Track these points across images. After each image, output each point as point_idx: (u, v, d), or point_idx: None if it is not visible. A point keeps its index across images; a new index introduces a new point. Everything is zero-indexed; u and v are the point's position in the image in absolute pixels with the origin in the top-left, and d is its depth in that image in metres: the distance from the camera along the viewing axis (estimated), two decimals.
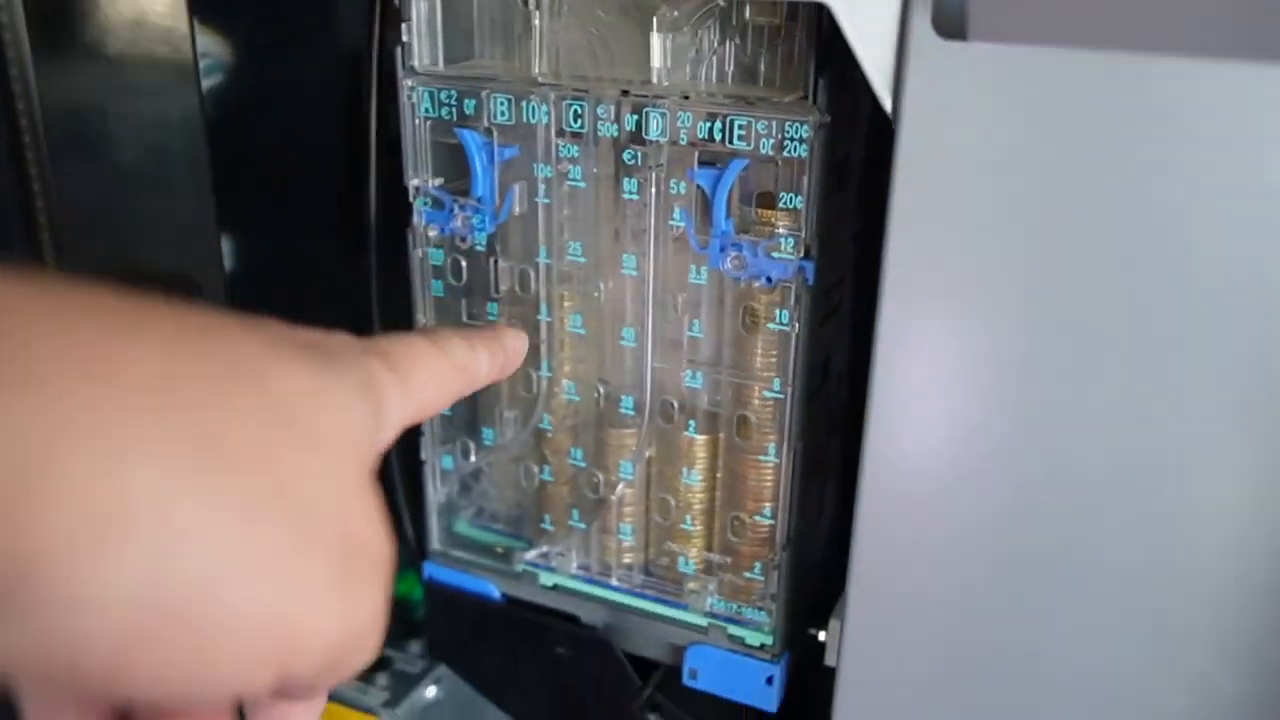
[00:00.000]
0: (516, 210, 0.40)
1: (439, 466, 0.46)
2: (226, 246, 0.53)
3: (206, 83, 0.52)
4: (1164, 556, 0.32)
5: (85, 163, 0.47)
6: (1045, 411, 0.33)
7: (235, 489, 0.16)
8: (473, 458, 0.45)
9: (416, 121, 0.41)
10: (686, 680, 0.43)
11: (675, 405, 0.40)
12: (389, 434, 0.23)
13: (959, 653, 0.37)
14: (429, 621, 0.49)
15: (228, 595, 0.16)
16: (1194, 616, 0.32)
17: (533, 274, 0.41)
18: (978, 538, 0.35)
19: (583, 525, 0.44)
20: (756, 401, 0.39)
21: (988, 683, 0.37)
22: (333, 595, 0.18)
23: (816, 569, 0.44)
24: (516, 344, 0.35)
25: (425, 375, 0.26)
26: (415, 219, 0.42)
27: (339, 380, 0.20)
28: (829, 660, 0.41)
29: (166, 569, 0.15)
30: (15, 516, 0.14)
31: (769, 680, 0.42)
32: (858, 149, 0.39)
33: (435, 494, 0.47)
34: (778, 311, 0.37)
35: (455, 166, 0.42)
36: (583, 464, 0.43)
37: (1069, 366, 0.32)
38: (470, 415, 0.45)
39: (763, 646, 0.42)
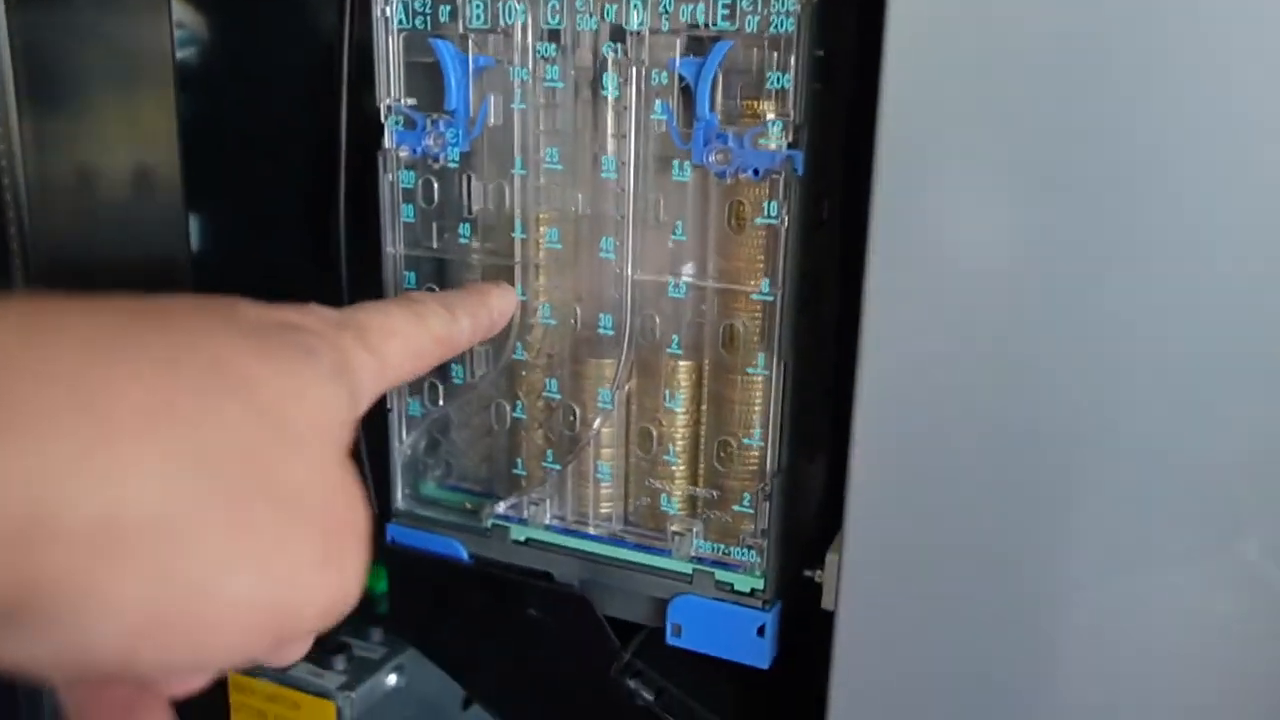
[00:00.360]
0: (491, 122, 0.39)
1: (405, 414, 0.43)
2: (194, 223, 0.52)
3: (181, 53, 0.51)
4: (1199, 434, 0.29)
5: (56, 122, 0.46)
6: (1052, 323, 0.30)
7: (226, 494, 0.18)
8: (441, 400, 0.42)
9: (390, 38, 0.40)
10: (670, 639, 0.39)
11: (657, 321, 0.38)
12: (362, 409, 0.24)
13: (970, 577, 0.34)
14: (391, 590, 0.45)
15: (224, 590, 0.18)
16: (1238, 499, 0.29)
17: (507, 189, 0.39)
18: (984, 455, 0.33)
19: (557, 466, 0.40)
20: (744, 310, 0.36)
21: (1006, 606, 0.33)
22: (320, 572, 0.19)
23: (809, 517, 0.41)
24: (503, 304, 0.35)
25: (401, 349, 0.26)
26: (386, 141, 0.41)
27: (315, 368, 0.21)
28: (826, 603, 0.38)
29: (166, 578, 0.17)
30: (23, 551, 0.15)
31: (760, 631, 0.38)
32: (845, 57, 0.37)
33: (401, 447, 0.43)
34: (765, 204, 0.35)
35: (430, 96, 0.40)
36: (558, 396, 0.40)
37: (1076, 272, 0.30)
38: None
39: (753, 592, 0.38)
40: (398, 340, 0.26)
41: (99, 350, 0.17)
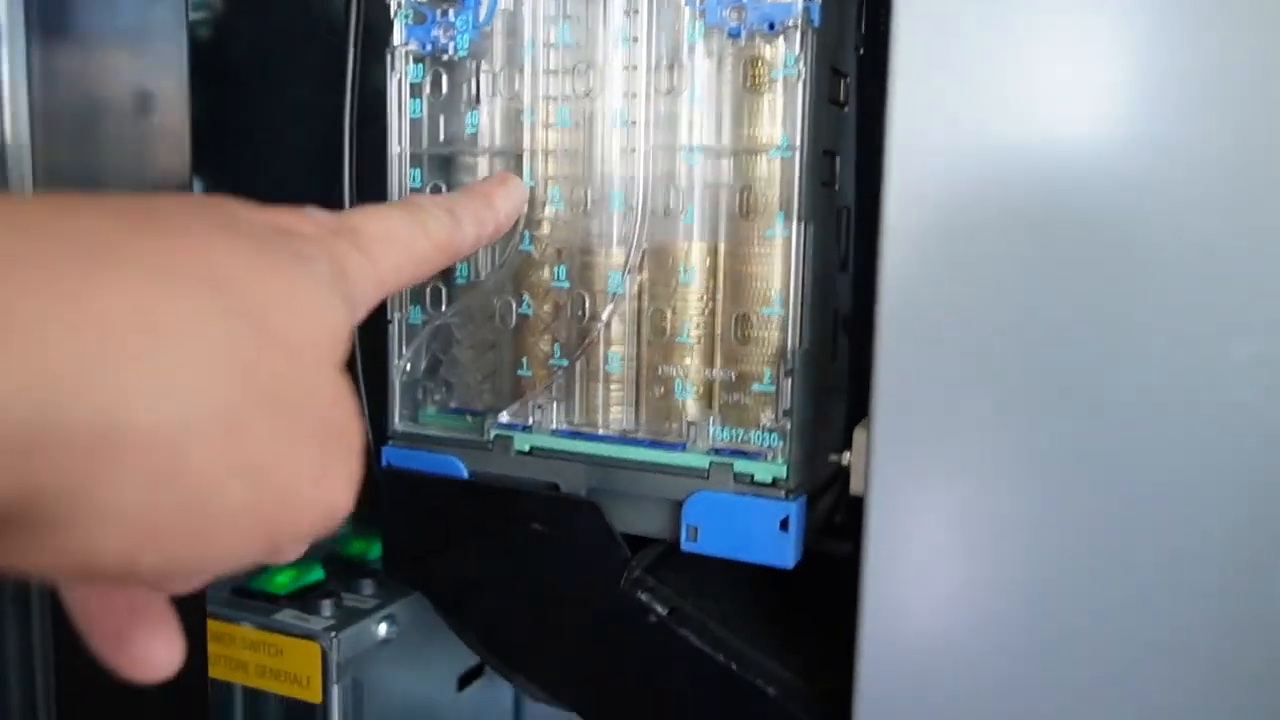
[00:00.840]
0: (501, 6, 0.38)
1: (405, 323, 0.41)
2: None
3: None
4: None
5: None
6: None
7: (222, 407, 0.17)
8: (444, 304, 0.40)
9: None
10: (685, 545, 0.36)
11: (670, 195, 0.36)
12: (359, 316, 0.23)
13: (1010, 449, 0.31)
14: (385, 522, 0.42)
15: (221, 500, 0.18)
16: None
17: (517, 76, 0.38)
18: (1016, 316, 0.31)
19: (564, 362, 0.38)
20: (762, 171, 0.35)
21: (1051, 481, 0.31)
22: (315, 484, 0.19)
23: (833, 412, 0.39)
24: (508, 204, 0.35)
25: (401, 256, 0.26)
26: (395, 38, 0.40)
27: (312, 277, 0.21)
28: (855, 488, 0.35)
29: (165, 487, 0.17)
30: (28, 458, 0.15)
31: (783, 524, 0.35)
32: None
33: (400, 362, 0.41)
34: (783, 57, 0.34)
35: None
36: (566, 285, 0.38)
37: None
38: None
39: (775, 482, 0.35)
40: (397, 246, 0.26)
41: (96, 258, 0.17)
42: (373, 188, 0.42)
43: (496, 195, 0.34)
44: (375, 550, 0.50)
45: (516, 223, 0.38)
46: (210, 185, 0.52)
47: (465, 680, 0.51)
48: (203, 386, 0.17)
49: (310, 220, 0.23)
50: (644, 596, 0.37)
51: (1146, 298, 0.29)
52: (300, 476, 0.19)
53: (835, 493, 0.41)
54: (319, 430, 0.20)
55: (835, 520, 0.42)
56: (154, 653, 0.22)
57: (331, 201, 0.46)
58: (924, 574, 0.33)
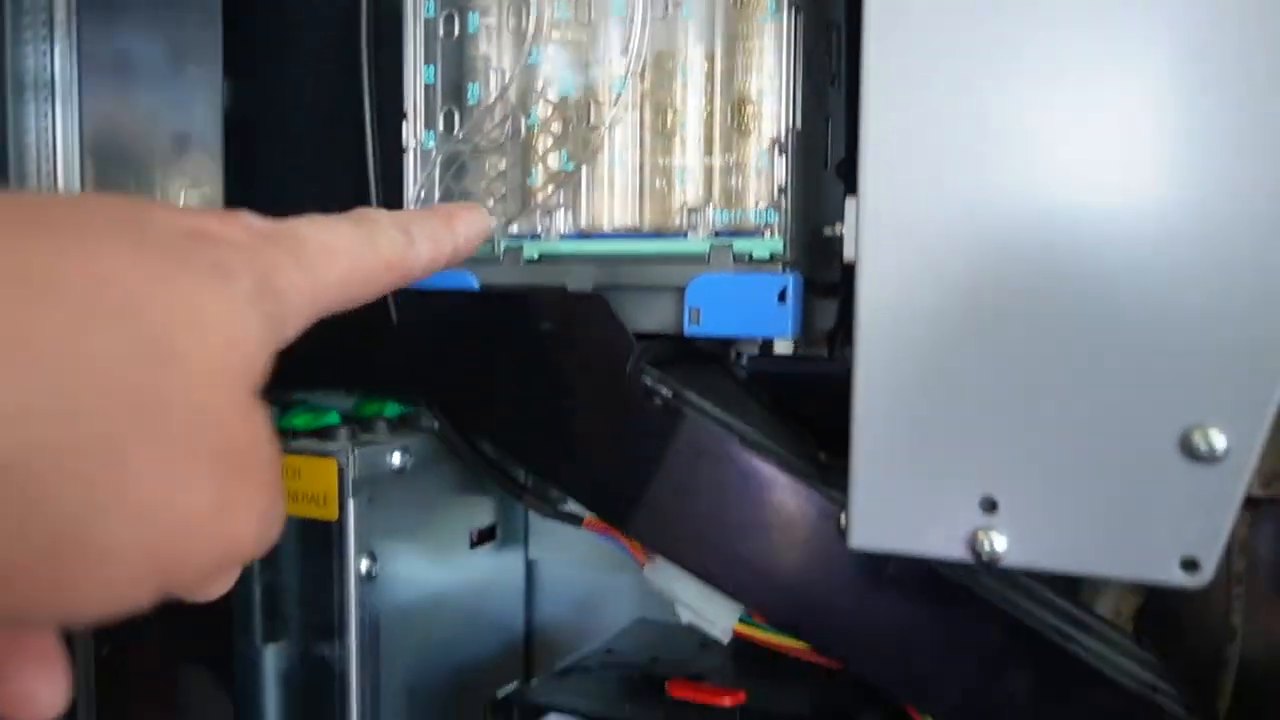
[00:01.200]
0: None
1: (420, 150, 0.43)
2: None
3: None
4: None
5: None
6: None
7: (97, 438, 0.16)
8: (457, 129, 0.43)
9: None
10: (688, 328, 0.38)
11: None
12: (289, 335, 0.21)
13: (998, 206, 0.33)
14: (398, 339, 0.44)
15: (98, 538, 0.16)
16: None
17: None
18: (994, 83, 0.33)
19: (570, 166, 0.40)
20: None
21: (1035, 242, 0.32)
22: (212, 519, 0.17)
23: (826, 195, 0.40)
24: (471, 230, 0.32)
25: (344, 271, 0.24)
26: None
27: (227, 289, 0.19)
28: (847, 253, 0.36)
29: (23, 529, 0.15)
30: None
31: (781, 296, 0.37)
32: None
33: (415, 189, 0.43)
34: None
35: None
36: (572, 92, 0.40)
37: None
38: (456, 75, 0.43)
39: (773, 258, 0.37)
40: (340, 261, 0.24)
41: None
42: (392, 131, 0.44)
43: (459, 219, 0.31)
44: (389, 409, 0.51)
45: (523, 37, 0.40)
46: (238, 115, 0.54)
47: (478, 541, 0.52)
48: (72, 410, 0.15)
49: (239, 225, 0.21)
50: (649, 381, 0.39)
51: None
52: (194, 509, 0.17)
53: (836, 312, 0.42)
54: (220, 457, 0.18)
55: (833, 353, 0.43)
56: (34, 691, 0.19)
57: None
58: (921, 345, 0.34)
